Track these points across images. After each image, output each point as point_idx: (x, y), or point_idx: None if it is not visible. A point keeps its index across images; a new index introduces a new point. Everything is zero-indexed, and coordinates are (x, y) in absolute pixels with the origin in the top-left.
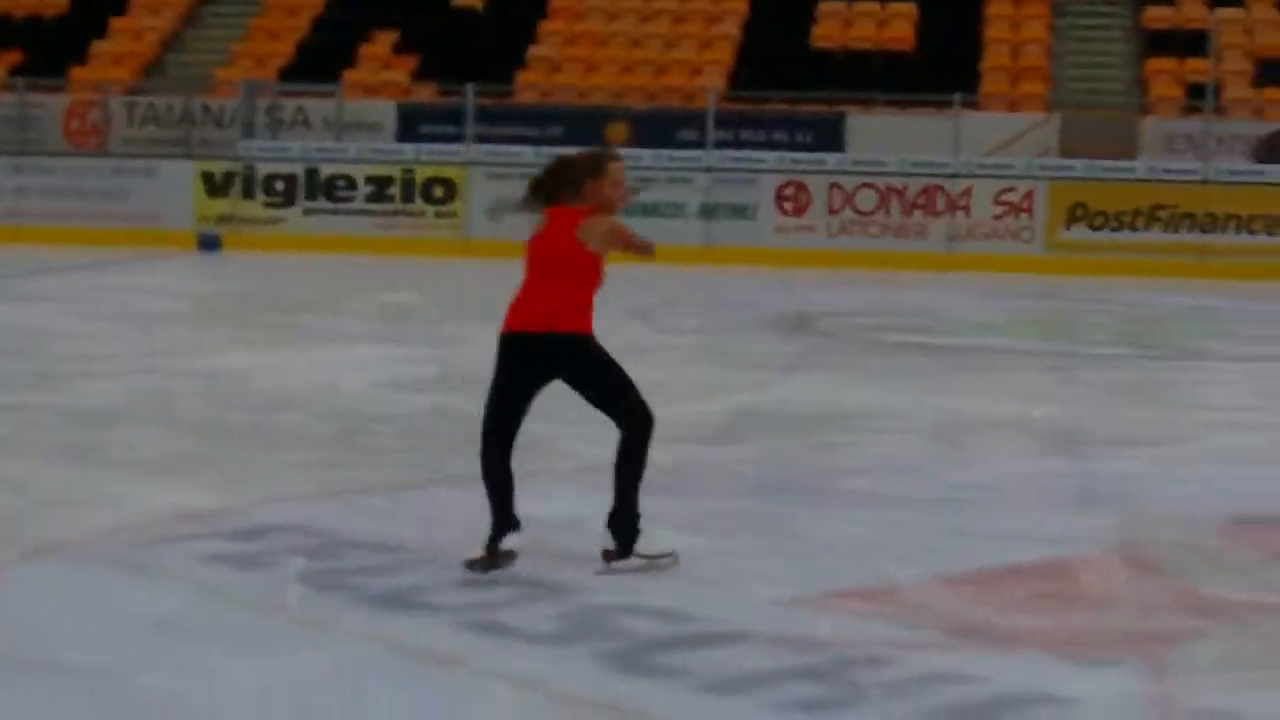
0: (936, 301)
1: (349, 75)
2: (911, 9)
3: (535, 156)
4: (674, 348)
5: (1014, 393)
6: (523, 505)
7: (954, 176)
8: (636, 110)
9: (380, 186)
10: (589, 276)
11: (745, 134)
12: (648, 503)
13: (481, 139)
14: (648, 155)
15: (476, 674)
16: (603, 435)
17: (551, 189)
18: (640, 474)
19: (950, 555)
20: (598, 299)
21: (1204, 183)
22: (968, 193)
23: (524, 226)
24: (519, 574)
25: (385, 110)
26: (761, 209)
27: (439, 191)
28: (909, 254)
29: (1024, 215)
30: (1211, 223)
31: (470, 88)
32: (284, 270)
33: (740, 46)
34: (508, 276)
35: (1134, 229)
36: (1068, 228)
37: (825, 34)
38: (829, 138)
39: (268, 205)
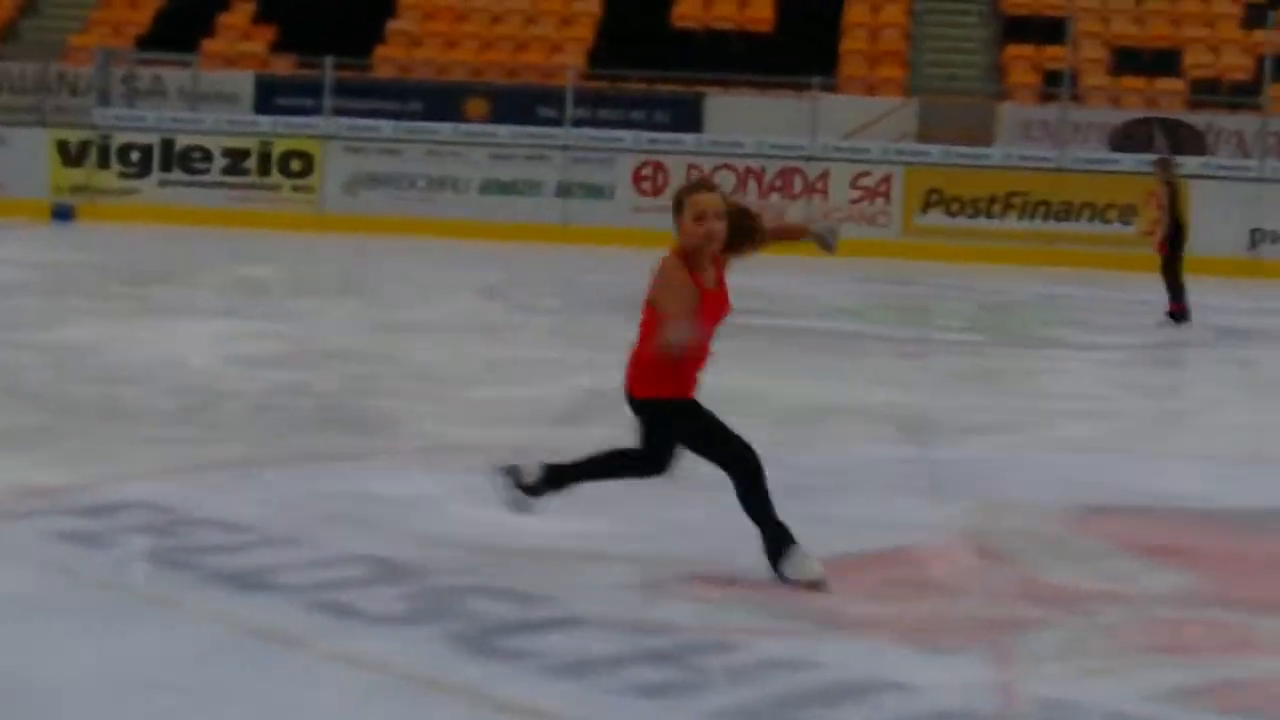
0: (792, 285)
1: (207, 45)
2: None
3: (393, 131)
4: (527, 327)
5: (867, 378)
6: (371, 484)
7: (811, 159)
8: (495, 86)
9: (236, 159)
10: (647, 333)
11: (604, 113)
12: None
13: (339, 112)
14: (505, 132)
15: (324, 655)
16: (452, 414)
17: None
18: (758, 506)
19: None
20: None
21: (1059, 170)
22: (825, 176)
23: (380, 200)
24: (368, 555)
25: (243, 81)
26: (619, 188)
27: (296, 165)
28: None
29: (880, 200)
30: (1066, 211)
31: (329, 60)
32: (138, 242)
33: (600, 24)
34: (363, 251)
35: (989, 215)
36: (924, 213)
37: (686, 13)
38: (687, 118)
39: (123, 176)
